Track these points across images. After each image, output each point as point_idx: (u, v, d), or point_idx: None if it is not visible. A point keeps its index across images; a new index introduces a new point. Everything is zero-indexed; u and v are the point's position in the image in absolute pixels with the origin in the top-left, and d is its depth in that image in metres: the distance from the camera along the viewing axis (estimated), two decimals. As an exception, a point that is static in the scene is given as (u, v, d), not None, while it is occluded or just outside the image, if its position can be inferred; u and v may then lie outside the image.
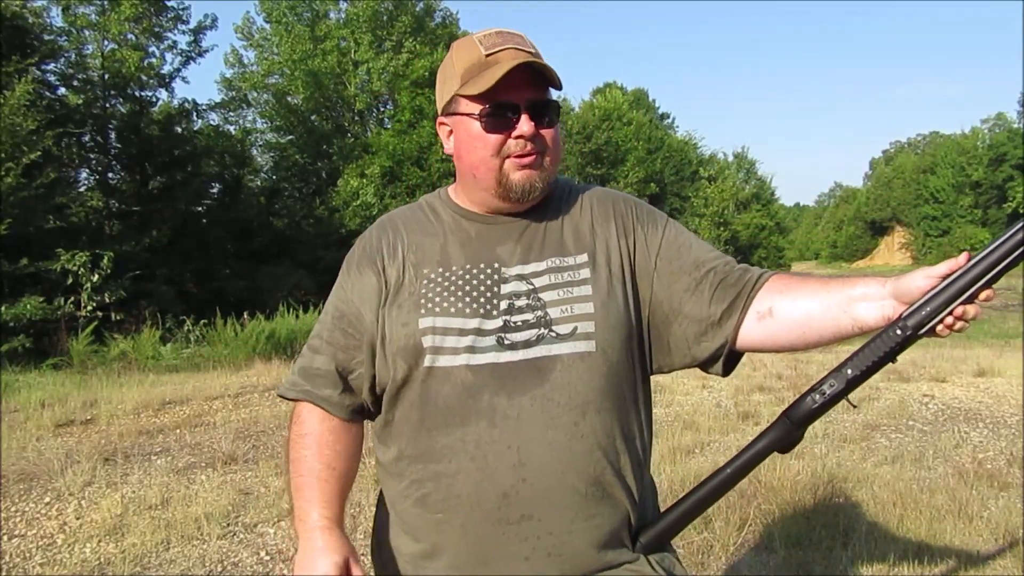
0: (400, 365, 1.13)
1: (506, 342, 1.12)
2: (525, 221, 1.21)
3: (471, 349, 1.11)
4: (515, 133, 1.12)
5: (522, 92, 1.12)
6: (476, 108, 1.13)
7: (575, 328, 1.13)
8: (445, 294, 1.14)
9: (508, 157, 1.14)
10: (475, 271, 1.16)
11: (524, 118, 1.12)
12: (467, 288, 1.15)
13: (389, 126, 23.49)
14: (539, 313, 1.14)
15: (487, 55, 1.13)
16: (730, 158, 46.36)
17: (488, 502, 1.09)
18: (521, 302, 1.15)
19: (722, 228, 36.89)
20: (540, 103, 1.13)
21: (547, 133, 1.14)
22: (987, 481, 4.00)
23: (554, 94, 1.17)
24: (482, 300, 1.14)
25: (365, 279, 1.20)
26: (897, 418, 5.59)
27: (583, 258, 1.18)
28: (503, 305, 1.14)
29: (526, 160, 1.14)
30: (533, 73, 1.12)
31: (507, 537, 1.09)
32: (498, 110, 1.12)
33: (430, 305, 1.13)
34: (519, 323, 1.13)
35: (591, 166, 30.65)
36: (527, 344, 1.12)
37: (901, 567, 2.92)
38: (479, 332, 1.12)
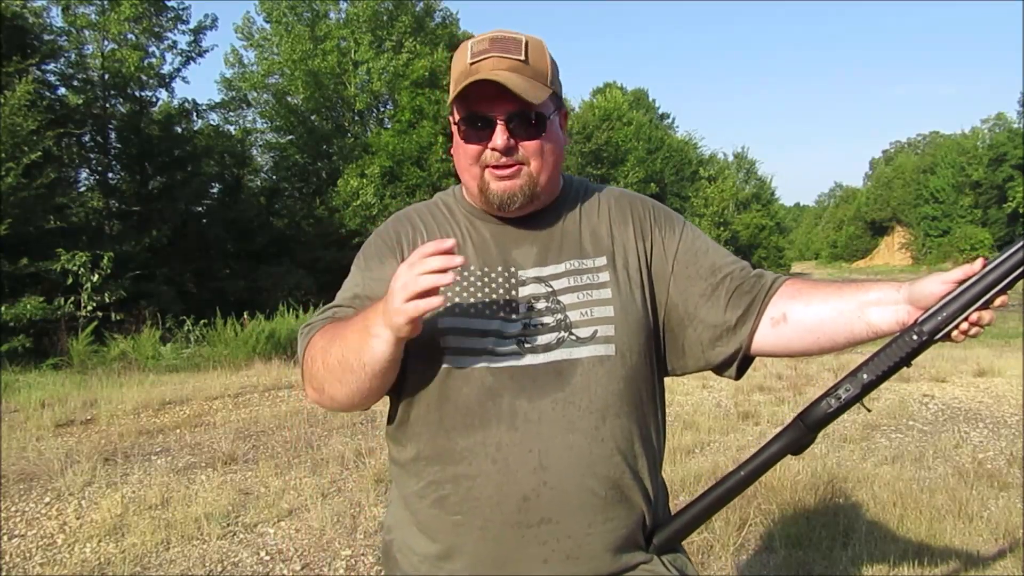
0: (416, 364, 1.13)
1: (526, 345, 1.12)
2: (541, 223, 1.20)
3: (491, 351, 1.11)
4: (489, 145, 1.12)
5: (500, 104, 1.09)
6: (458, 116, 1.14)
7: (595, 331, 1.13)
8: (465, 295, 1.14)
9: (487, 167, 1.13)
10: (493, 274, 1.16)
11: (498, 130, 1.10)
12: (486, 290, 1.15)
13: (389, 126, 23.47)
14: (559, 316, 1.14)
15: (470, 63, 1.12)
16: (730, 158, 46.46)
17: (508, 505, 1.09)
18: (540, 305, 1.15)
19: (722, 228, 36.93)
20: (519, 115, 1.10)
21: (528, 144, 1.12)
22: (987, 481, 4.00)
23: (544, 99, 1.12)
24: (501, 303, 1.14)
25: (387, 268, 1.18)
26: (897, 418, 5.59)
27: (602, 261, 1.18)
28: (522, 308, 1.14)
29: (502, 172, 1.13)
30: (523, 79, 1.10)
31: (526, 540, 1.09)
32: (474, 121, 1.12)
33: (449, 305, 1.13)
34: (539, 326, 1.13)
35: (591, 166, 30.65)
36: (547, 348, 1.12)
37: (901, 567, 2.92)
38: (499, 335, 1.12)
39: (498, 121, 1.10)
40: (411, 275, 0.97)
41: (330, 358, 1.09)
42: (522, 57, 1.11)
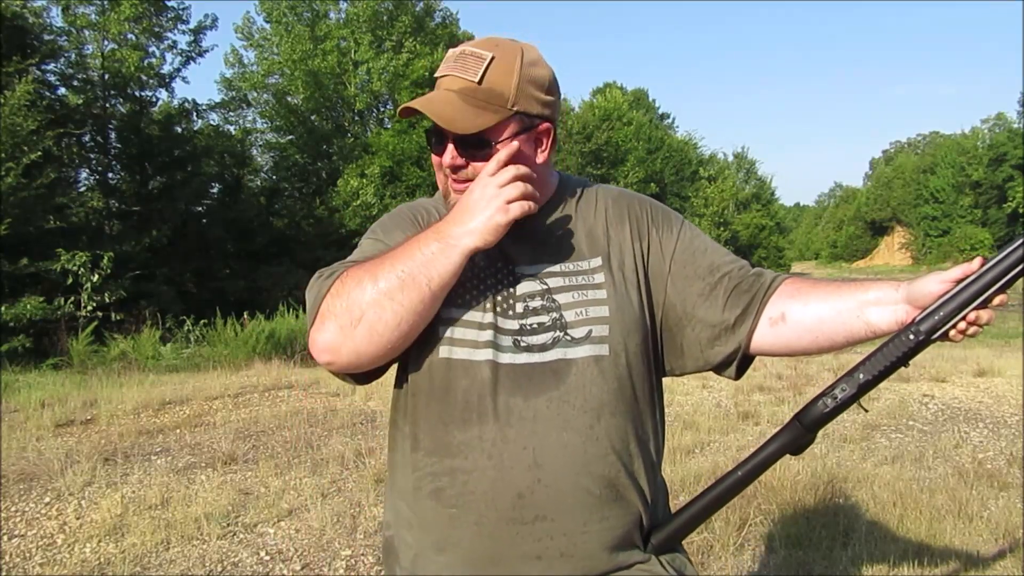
0: (418, 353, 1.14)
1: (522, 344, 1.13)
2: (537, 221, 1.21)
3: (490, 346, 1.12)
4: (443, 160, 1.15)
5: None
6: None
7: (590, 331, 1.13)
8: (469, 285, 1.15)
9: (448, 176, 1.17)
10: (491, 269, 1.17)
11: (448, 149, 1.13)
12: (489, 283, 1.16)
13: (389, 126, 23.49)
14: (554, 315, 1.14)
15: (437, 77, 1.17)
16: (730, 158, 46.43)
17: (503, 501, 1.10)
18: (536, 303, 1.15)
19: (722, 228, 36.91)
20: (462, 139, 1.12)
21: (477, 166, 1.13)
22: (987, 481, 4.00)
23: (485, 125, 1.11)
24: (499, 299, 1.15)
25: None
26: (897, 418, 5.59)
27: (597, 262, 1.19)
28: (519, 307, 1.15)
29: (457, 186, 1.16)
30: (465, 104, 1.11)
31: (520, 537, 1.10)
32: (433, 135, 1.15)
33: (452, 295, 1.13)
34: (535, 325, 1.14)
35: (591, 166, 30.64)
36: (543, 348, 1.13)
37: (901, 567, 2.92)
38: (497, 329, 1.13)
39: (448, 140, 1.13)
40: (502, 181, 1.07)
41: (384, 277, 1.05)
42: (476, 79, 1.11)
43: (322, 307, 1.08)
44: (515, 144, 1.11)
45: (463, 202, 1.09)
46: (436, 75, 1.17)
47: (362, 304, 1.05)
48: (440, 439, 1.13)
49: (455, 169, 1.14)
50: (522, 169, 1.08)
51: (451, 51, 1.17)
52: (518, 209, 1.06)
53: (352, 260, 1.16)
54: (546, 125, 1.18)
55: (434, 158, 1.18)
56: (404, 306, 1.05)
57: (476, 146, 1.12)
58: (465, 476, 1.11)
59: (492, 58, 1.12)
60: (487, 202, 1.06)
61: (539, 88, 1.15)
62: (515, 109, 1.13)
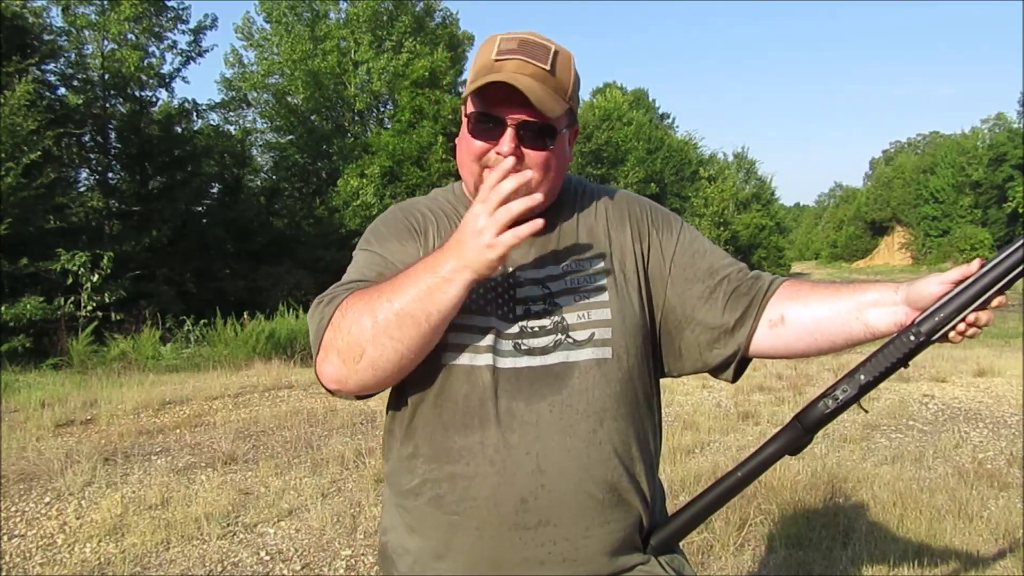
0: None
1: (523, 347, 1.12)
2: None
3: (490, 350, 1.10)
4: (496, 148, 1.10)
5: (515, 109, 1.08)
6: (471, 109, 1.12)
7: (592, 334, 1.13)
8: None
9: (488, 167, 1.11)
10: None
11: (508, 135, 1.09)
12: (489, 284, 1.14)
13: (389, 126, 23.49)
14: (556, 318, 1.13)
15: (495, 59, 1.10)
16: (730, 158, 46.47)
17: (506, 507, 1.09)
18: (537, 306, 1.14)
19: (722, 228, 36.96)
20: (531, 124, 1.08)
21: (534, 155, 1.10)
22: (987, 481, 4.01)
23: (560, 113, 1.10)
24: (499, 302, 1.14)
25: (409, 248, 1.17)
26: (897, 418, 5.59)
27: (599, 263, 1.18)
28: (519, 310, 1.14)
29: None
30: (546, 88, 1.09)
31: (523, 542, 1.09)
32: (486, 119, 1.10)
33: None
34: (536, 328, 1.13)
35: (591, 166, 30.68)
36: (544, 351, 1.12)
37: (901, 567, 2.92)
38: (497, 333, 1.11)
39: (509, 126, 1.09)
40: (491, 207, 0.99)
41: (382, 313, 1.02)
42: (548, 67, 1.09)
43: (324, 339, 1.06)
44: (511, 159, 1.03)
45: (459, 233, 1.03)
46: (494, 58, 1.10)
47: (362, 341, 1.03)
48: (440, 445, 1.12)
49: (517, 158, 1.07)
50: (526, 175, 1.01)
51: (502, 37, 1.12)
52: (513, 240, 0.99)
53: (350, 281, 1.13)
54: (576, 126, 1.20)
55: (475, 146, 1.12)
56: (404, 343, 1.02)
57: (541, 134, 1.10)
58: (466, 482, 1.10)
59: (556, 50, 1.11)
60: (478, 234, 1.00)
61: (578, 89, 1.18)
62: (570, 104, 1.13)
